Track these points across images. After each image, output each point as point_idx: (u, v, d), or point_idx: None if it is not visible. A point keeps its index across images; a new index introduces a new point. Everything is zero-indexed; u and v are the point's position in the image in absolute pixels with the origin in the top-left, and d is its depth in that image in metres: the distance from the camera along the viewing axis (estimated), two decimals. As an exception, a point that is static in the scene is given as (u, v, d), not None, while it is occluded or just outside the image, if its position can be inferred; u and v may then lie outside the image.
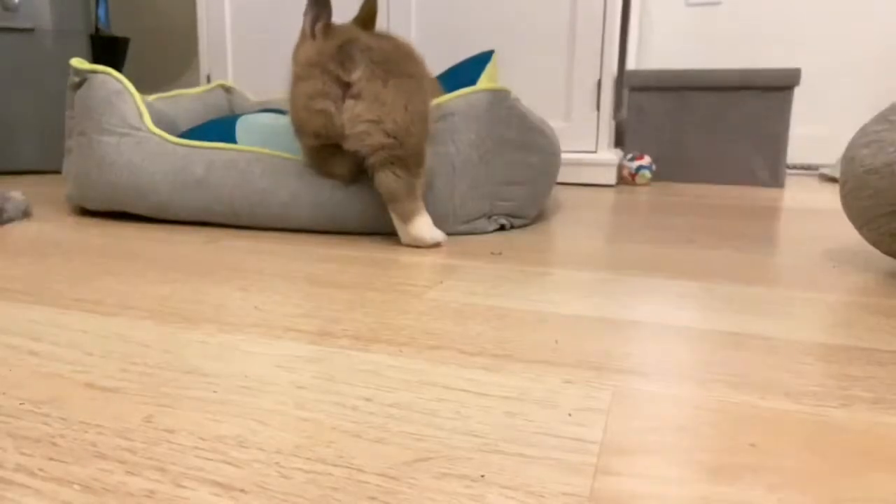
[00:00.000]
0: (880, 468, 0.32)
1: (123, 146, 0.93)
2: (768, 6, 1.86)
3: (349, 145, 0.79)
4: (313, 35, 0.86)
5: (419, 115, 0.80)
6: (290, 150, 0.91)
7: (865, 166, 0.67)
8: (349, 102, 0.78)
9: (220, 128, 0.99)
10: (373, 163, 0.79)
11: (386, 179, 0.79)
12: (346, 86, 0.79)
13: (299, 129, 0.84)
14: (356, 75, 0.78)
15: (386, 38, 0.86)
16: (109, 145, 0.94)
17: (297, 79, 0.83)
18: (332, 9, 0.88)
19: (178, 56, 2.26)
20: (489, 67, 0.98)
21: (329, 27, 0.86)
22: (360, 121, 0.78)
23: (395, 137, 0.77)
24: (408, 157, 0.78)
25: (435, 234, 0.80)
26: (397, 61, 0.81)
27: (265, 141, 0.94)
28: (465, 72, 1.00)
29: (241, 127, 0.99)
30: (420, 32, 1.55)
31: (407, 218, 0.80)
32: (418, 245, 0.81)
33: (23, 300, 0.58)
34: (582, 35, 1.45)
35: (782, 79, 1.52)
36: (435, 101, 0.87)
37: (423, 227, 0.80)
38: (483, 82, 0.95)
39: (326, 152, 0.84)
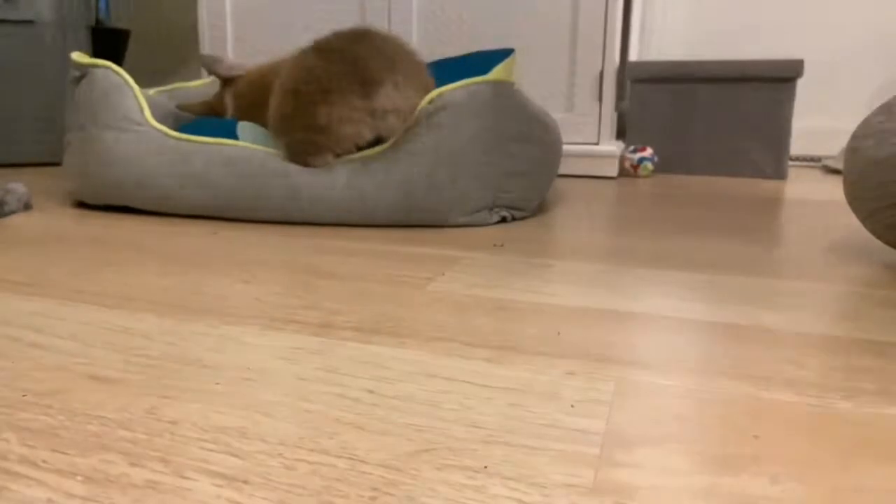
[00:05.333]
0: (884, 460, 0.32)
1: (123, 141, 0.93)
2: (771, -3, 1.84)
3: None
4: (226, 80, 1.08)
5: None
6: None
7: (868, 158, 0.67)
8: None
9: (221, 124, 0.99)
10: None
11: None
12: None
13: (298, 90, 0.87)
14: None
15: None
16: (109, 140, 0.93)
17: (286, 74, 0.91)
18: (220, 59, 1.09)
19: (180, 49, 2.26)
20: (506, 62, 0.97)
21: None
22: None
23: None
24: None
25: None
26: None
27: (266, 138, 0.94)
28: (477, 63, 1.00)
29: (243, 124, 0.98)
30: (422, 21, 1.54)
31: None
32: None
33: (24, 292, 0.58)
34: (584, 26, 1.44)
35: (785, 70, 1.51)
36: (437, 91, 0.87)
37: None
38: (495, 75, 0.94)
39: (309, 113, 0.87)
